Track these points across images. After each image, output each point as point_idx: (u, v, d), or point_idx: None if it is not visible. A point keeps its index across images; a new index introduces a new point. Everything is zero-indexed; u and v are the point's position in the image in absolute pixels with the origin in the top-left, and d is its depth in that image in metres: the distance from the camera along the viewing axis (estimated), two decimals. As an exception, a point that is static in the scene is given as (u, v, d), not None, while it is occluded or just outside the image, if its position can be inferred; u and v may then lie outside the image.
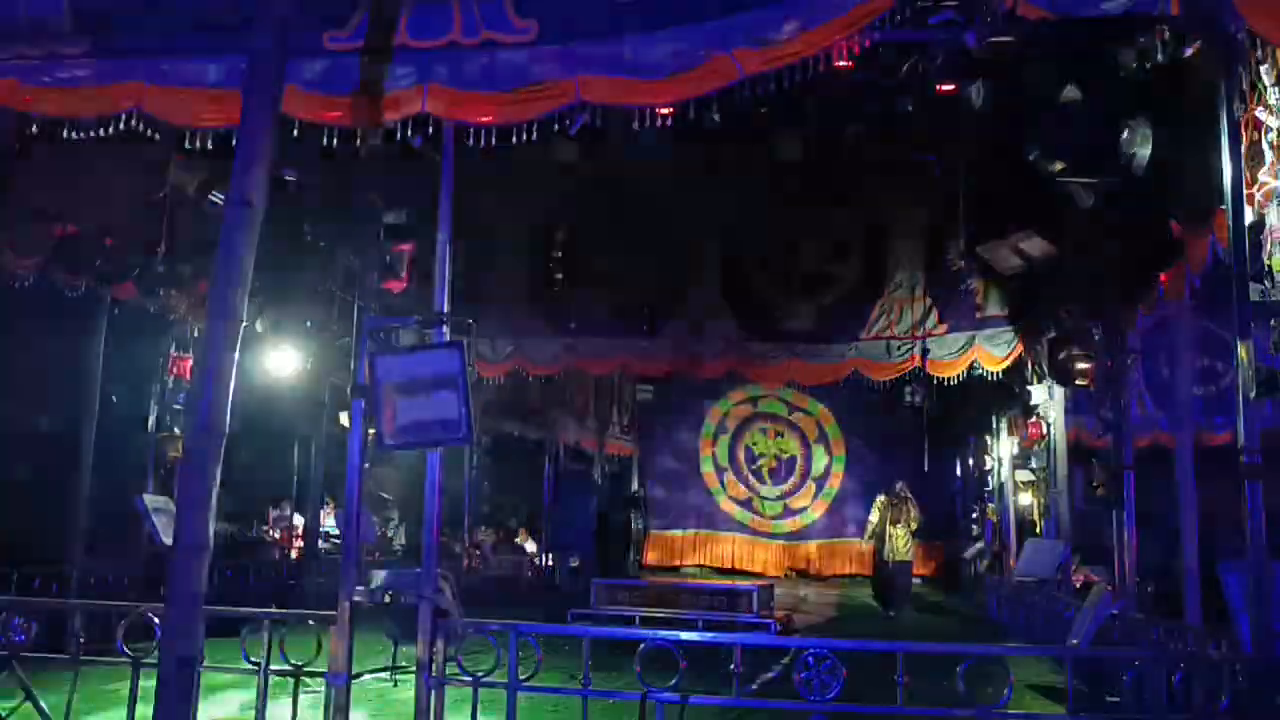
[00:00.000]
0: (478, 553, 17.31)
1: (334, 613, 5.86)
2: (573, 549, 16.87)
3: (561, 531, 17.56)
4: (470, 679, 5.72)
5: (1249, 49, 5.55)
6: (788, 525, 22.03)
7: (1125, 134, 6.22)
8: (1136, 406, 9.73)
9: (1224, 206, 5.85)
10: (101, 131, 6.59)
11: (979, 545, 18.10)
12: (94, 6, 6.40)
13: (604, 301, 13.13)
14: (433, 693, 5.74)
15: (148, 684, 5.24)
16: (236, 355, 5.12)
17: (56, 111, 6.55)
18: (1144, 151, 6.22)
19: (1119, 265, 8.51)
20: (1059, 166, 6.52)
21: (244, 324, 5.22)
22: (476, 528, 17.71)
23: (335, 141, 6.38)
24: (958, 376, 12.62)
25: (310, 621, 6.13)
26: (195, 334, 10.55)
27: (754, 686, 7.38)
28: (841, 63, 5.91)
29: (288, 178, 8.47)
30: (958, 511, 20.35)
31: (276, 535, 15.75)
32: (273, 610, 6.27)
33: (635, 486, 21.60)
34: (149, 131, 6.68)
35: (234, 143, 5.46)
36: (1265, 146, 5.70)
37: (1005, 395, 13.93)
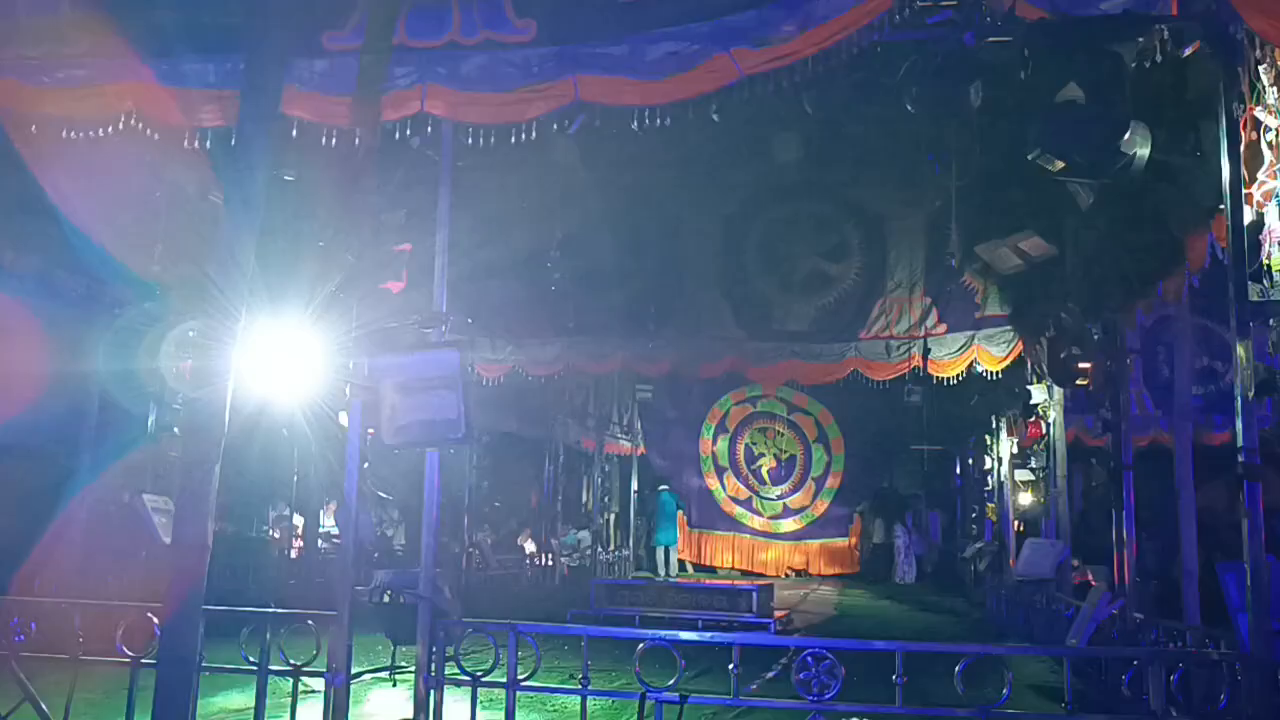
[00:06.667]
0: (477, 553, 17.30)
1: (334, 613, 5.87)
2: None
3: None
4: (470, 679, 5.72)
5: (1247, 49, 5.56)
6: (788, 525, 22.05)
7: (1127, 134, 6.19)
8: (1136, 406, 9.70)
9: (1223, 206, 5.85)
10: (101, 131, 6.59)
11: (978, 545, 18.10)
12: (94, 6, 6.40)
13: (604, 301, 13.12)
14: (432, 692, 5.75)
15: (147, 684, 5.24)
16: (235, 355, 5.13)
17: (56, 111, 6.54)
18: (1144, 151, 6.20)
19: (1119, 265, 8.49)
20: (1059, 166, 6.51)
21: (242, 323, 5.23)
22: (476, 527, 17.70)
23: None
24: (957, 376, 12.61)
25: (310, 621, 6.13)
26: (194, 334, 10.53)
27: (754, 686, 7.38)
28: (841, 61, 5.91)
29: (288, 178, 8.47)
30: (957, 511, 20.35)
31: (276, 535, 15.74)
32: (273, 610, 6.26)
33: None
34: (149, 131, 6.68)
35: (233, 143, 5.47)
36: (1264, 146, 5.70)
37: (1005, 395, 13.92)
